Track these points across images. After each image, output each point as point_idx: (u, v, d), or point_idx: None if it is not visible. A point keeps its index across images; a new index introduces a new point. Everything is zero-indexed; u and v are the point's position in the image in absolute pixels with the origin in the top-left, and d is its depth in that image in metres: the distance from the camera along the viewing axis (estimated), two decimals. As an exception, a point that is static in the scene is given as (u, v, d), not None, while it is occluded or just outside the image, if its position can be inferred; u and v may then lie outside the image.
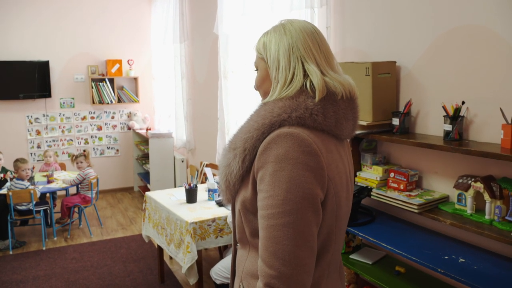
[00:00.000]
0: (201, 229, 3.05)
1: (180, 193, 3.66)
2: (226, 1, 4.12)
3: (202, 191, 3.65)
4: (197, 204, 3.42)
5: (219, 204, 3.38)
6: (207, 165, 4.44)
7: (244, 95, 4.17)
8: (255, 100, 3.93)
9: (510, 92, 1.92)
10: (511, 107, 1.90)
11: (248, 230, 1.18)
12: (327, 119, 1.11)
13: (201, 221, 3.06)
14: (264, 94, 1.24)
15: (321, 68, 1.15)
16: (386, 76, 2.40)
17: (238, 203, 1.18)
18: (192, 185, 3.46)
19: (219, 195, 3.56)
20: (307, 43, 1.15)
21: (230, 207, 1.21)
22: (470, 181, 2.01)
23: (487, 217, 1.93)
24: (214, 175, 3.85)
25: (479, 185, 1.94)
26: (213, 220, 3.11)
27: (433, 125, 2.30)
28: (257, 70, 1.25)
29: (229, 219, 3.06)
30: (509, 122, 1.85)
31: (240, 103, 4.25)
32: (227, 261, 3.05)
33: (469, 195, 2.00)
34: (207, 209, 3.31)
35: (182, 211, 3.24)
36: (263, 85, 1.23)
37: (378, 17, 2.59)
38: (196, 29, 5.30)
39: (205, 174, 4.38)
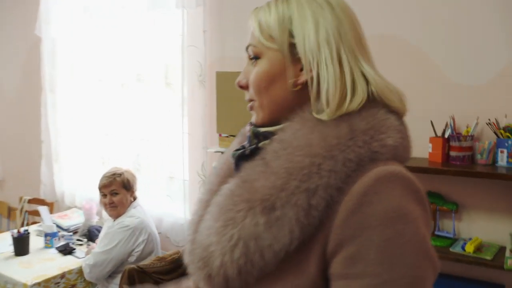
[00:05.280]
0: (47, 290, 2.26)
1: (0, 243, 2.71)
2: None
3: (33, 237, 2.76)
4: (31, 256, 2.56)
5: (63, 251, 2.60)
6: (30, 201, 3.48)
7: (83, 112, 3.35)
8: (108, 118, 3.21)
9: (435, 106, 1.87)
10: (439, 120, 1.84)
11: None
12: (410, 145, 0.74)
13: (46, 279, 2.27)
14: (270, 104, 0.75)
15: (372, 67, 0.73)
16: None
17: None
18: (22, 231, 2.58)
19: (59, 239, 2.76)
20: (354, 25, 0.73)
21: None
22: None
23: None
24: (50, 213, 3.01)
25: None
26: (62, 275, 2.35)
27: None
28: (254, 59, 0.75)
29: (88, 274, 2.33)
30: (438, 135, 1.79)
31: (77, 123, 3.42)
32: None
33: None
34: (48, 261, 2.50)
35: (12, 269, 2.36)
36: (270, 87, 0.74)
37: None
38: None
39: (30, 213, 3.44)
